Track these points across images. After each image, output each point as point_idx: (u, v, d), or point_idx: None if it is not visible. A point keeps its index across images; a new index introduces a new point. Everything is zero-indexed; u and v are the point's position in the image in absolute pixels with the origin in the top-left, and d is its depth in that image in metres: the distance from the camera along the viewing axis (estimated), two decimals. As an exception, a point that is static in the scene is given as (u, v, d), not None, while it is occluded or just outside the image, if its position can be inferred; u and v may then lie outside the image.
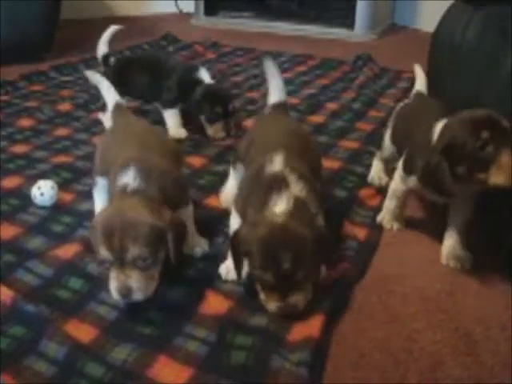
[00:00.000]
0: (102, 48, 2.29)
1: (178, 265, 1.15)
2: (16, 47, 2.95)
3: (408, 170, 1.34)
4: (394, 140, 1.56)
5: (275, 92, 1.56)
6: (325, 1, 4.08)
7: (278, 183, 1.15)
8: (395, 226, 1.46)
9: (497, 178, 1.14)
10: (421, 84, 1.69)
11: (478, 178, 1.16)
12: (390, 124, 1.61)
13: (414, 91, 1.68)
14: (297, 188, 1.16)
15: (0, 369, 0.98)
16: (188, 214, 1.32)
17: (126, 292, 1.06)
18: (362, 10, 3.76)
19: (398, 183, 1.40)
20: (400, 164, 1.39)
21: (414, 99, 1.63)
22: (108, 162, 1.30)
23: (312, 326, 1.08)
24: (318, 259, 1.14)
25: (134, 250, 1.05)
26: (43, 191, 1.50)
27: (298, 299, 1.09)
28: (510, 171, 1.12)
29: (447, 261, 1.34)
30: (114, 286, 1.07)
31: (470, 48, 1.68)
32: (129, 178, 1.16)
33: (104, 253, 1.06)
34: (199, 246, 1.34)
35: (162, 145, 1.37)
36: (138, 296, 1.07)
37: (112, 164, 1.25)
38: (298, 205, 1.13)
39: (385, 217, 1.47)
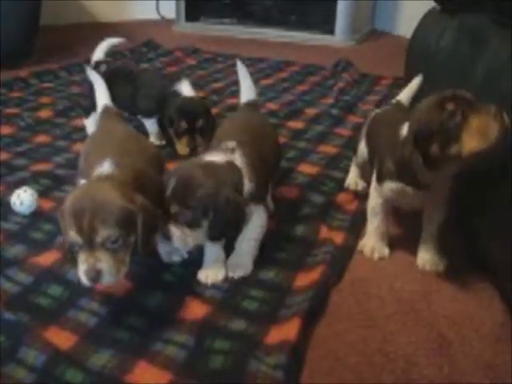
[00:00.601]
0: (98, 54, 2.25)
1: (146, 254, 1.15)
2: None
3: (381, 177, 1.35)
4: (367, 146, 1.59)
5: (246, 91, 1.65)
6: (306, 7, 4.12)
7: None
8: (376, 254, 1.40)
9: (470, 144, 1.14)
10: (405, 95, 1.69)
11: (451, 152, 1.16)
12: (364, 130, 1.63)
13: (394, 100, 1.71)
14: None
15: (-21, 376, 0.99)
16: None
17: (95, 275, 1.04)
18: (342, 15, 3.80)
19: (374, 198, 1.41)
20: (373, 177, 1.41)
21: (390, 107, 1.65)
22: (89, 166, 1.30)
23: (289, 330, 1.10)
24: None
25: (103, 232, 1.03)
26: (22, 199, 1.50)
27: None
28: (482, 132, 1.13)
29: (423, 264, 1.36)
30: (83, 269, 1.04)
31: (445, 55, 1.71)
32: (103, 168, 1.17)
33: (73, 235, 1.04)
34: (177, 252, 1.34)
35: (142, 150, 1.37)
36: (107, 279, 1.05)
37: (92, 167, 1.26)
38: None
39: (366, 243, 1.42)
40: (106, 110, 1.58)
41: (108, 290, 1.22)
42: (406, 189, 1.29)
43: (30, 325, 1.10)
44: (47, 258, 1.33)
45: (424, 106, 1.23)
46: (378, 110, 1.67)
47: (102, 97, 1.61)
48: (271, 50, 3.63)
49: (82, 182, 1.33)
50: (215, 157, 1.25)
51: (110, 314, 1.16)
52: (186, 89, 2.02)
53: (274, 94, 2.64)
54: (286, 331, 1.09)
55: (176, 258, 1.34)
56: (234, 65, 3.12)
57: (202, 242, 1.26)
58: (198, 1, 4.32)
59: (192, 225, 1.18)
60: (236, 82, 2.79)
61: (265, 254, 1.36)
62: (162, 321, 1.14)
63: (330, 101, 2.51)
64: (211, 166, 1.21)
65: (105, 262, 1.04)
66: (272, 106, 2.45)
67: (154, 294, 1.21)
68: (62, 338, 1.08)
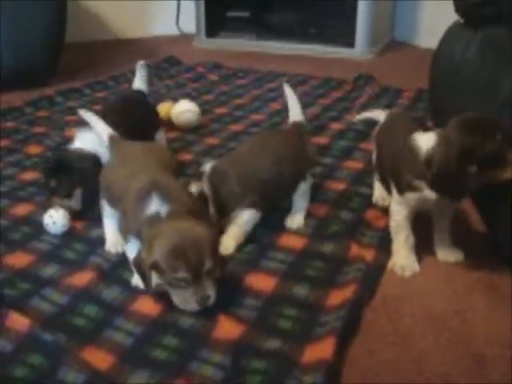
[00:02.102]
0: (137, 83, 2.12)
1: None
2: (20, 72, 2.99)
3: (401, 189, 1.37)
4: (377, 159, 1.62)
5: (293, 112, 1.72)
6: (325, 20, 4.13)
7: None
8: (407, 272, 1.39)
9: (509, 173, 1.23)
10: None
11: (490, 174, 1.24)
12: (374, 143, 1.67)
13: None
14: None
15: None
16: None
17: (205, 301, 1.18)
18: (361, 28, 3.80)
19: (398, 212, 1.41)
20: (393, 194, 1.43)
21: (390, 118, 1.67)
22: (118, 194, 1.34)
23: (324, 348, 1.10)
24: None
25: (208, 263, 1.16)
26: (55, 219, 1.53)
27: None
28: None
29: (444, 257, 1.44)
30: (193, 299, 1.17)
31: (470, 68, 1.71)
32: (156, 205, 1.23)
33: (183, 275, 1.15)
34: None
35: (163, 160, 1.46)
36: (212, 301, 1.19)
37: (123, 194, 1.29)
38: None
39: (396, 262, 1.42)
40: (112, 138, 1.58)
41: (142, 309, 1.23)
42: (430, 195, 1.32)
43: (67, 345, 1.12)
44: (81, 278, 1.34)
45: (469, 131, 1.25)
46: (381, 123, 1.69)
47: (103, 129, 1.61)
48: (291, 64, 3.64)
49: (107, 209, 1.46)
50: None
51: (145, 333, 1.17)
52: (79, 137, 1.72)
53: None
54: (321, 350, 1.10)
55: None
56: (256, 80, 3.20)
57: None
58: (217, 16, 4.35)
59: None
60: (258, 98, 2.85)
61: (296, 272, 1.37)
62: (197, 340, 1.15)
63: (354, 116, 2.51)
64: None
65: (211, 289, 1.19)
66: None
67: (187, 314, 1.22)
68: (98, 359, 1.09)
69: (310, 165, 1.67)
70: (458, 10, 1.83)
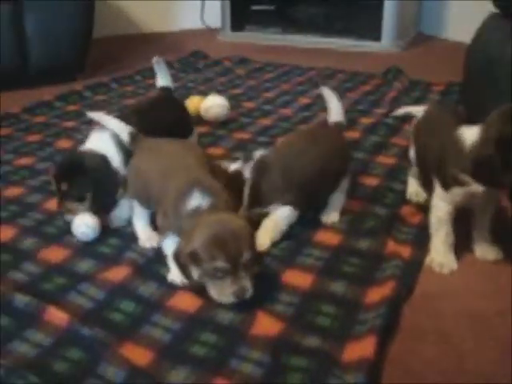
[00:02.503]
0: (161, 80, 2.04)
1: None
2: (49, 68, 3.00)
3: (447, 184, 1.35)
4: (417, 154, 1.59)
5: (333, 113, 1.69)
6: (350, 13, 4.10)
7: None
8: (445, 269, 1.37)
9: None
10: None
11: None
12: (411, 139, 1.64)
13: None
14: None
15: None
16: None
17: (242, 293, 1.18)
18: (388, 21, 3.76)
19: (441, 207, 1.39)
20: (436, 189, 1.40)
21: (431, 112, 1.62)
22: (156, 193, 1.35)
23: (365, 347, 1.08)
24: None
25: (246, 254, 1.17)
26: (92, 226, 1.48)
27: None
28: None
29: (482, 255, 1.42)
30: (230, 290, 1.18)
31: (509, 61, 1.68)
32: (197, 200, 1.24)
33: (222, 264, 1.15)
34: None
35: (198, 158, 1.45)
36: (249, 294, 1.19)
37: (162, 193, 1.31)
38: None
39: (434, 258, 1.40)
40: (134, 136, 1.55)
41: (179, 305, 1.23)
42: (477, 189, 1.30)
43: (106, 341, 1.11)
44: (117, 273, 1.34)
45: (503, 118, 1.25)
46: (418, 118, 1.65)
47: (122, 127, 1.58)
48: (317, 58, 3.62)
49: (138, 206, 1.48)
50: None
51: (184, 329, 1.16)
52: (90, 139, 1.64)
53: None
54: (362, 348, 1.08)
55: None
56: (284, 74, 3.18)
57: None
58: (242, 10, 4.34)
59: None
60: (287, 92, 2.83)
61: (332, 268, 1.36)
62: (235, 337, 1.14)
63: (384, 110, 2.49)
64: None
65: (248, 281, 1.19)
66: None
67: (224, 310, 1.21)
68: (137, 355, 1.09)
69: (349, 163, 1.65)
70: (495, 0, 1.80)
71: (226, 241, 1.16)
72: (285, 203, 1.47)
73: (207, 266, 1.17)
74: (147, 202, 1.43)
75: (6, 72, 2.86)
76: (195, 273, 1.20)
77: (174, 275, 1.30)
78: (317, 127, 1.87)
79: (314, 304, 1.24)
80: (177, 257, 1.22)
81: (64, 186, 1.49)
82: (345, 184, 1.61)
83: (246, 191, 1.47)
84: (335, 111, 1.68)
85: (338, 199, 1.60)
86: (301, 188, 1.49)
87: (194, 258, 1.18)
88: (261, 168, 1.49)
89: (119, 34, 4.38)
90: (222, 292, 1.19)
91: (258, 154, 1.54)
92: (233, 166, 1.52)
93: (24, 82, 2.96)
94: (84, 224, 1.48)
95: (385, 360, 1.10)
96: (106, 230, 1.54)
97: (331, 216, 1.58)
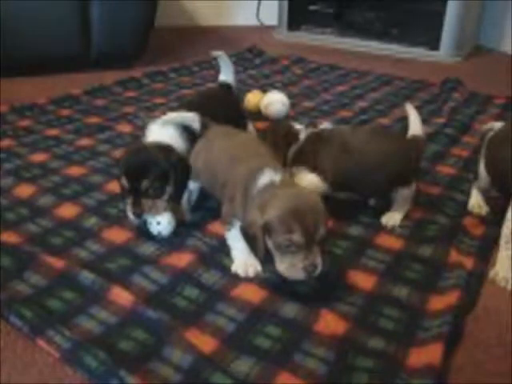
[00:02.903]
0: (224, 75, 2.04)
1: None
2: (109, 53, 3.04)
3: None
4: (488, 170, 1.56)
5: (413, 127, 1.64)
6: (409, 20, 4.06)
7: None
8: (510, 285, 1.34)
9: None
10: None
11: None
12: (483, 153, 1.61)
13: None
14: None
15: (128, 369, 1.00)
16: None
17: (312, 269, 1.17)
18: (448, 30, 3.70)
19: None
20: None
21: (505, 126, 1.60)
22: (223, 179, 1.36)
23: (431, 354, 1.07)
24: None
25: (322, 230, 1.16)
26: (160, 229, 1.46)
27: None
28: None
29: None
30: (301, 265, 1.16)
31: None
32: (270, 176, 1.24)
33: (298, 237, 1.13)
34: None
35: (264, 145, 1.45)
36: (318, 272, 1.18)
37: (229, 179, 1.33)
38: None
39: (499, 272, 1.37)
40: (205, 124, 1.56)
41: (243, 296, 1.23)
42: None
43: (170, 325, 1.12)
44: (180, 259, 1.35)
45: None
46: (492, 132, 1.62)
47: (190, 115, 1.59)
48: (372, 63, 3.59)
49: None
50: None
51: (248, 320, 1.16)
52: (153, 132, 1.58)
53: (384, 109, 2.61)
54: (428, 355, 1.07)
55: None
56: (341, 76, 3.17)
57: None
58: (300, 9, 4.33)
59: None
60: (344, 94, 2.82)
61: (395, 272, 1.35)
62: (300, 332, 1.14)
63: (443, 120, 2.46)
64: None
65: (319, 257, 1.18)
66: (385, 121, 2.42)
67: (288, 304, 1.21)
68: (202, 341, 1.09)
69: (414, 173, 1.60)
70: None
71: (304, 214, 1.14)
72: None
73: (281, 238, 1.14)
74: (213, 188, 1.43)
75: (69, 55, 2.91)
76: (266, 245, 1.19)
77: (238, 266, 1.30)
78: (391, 134, 1.87)
79: (377, 306, 1.23)
80: (246, 229, 1.19)
81: (144, 184, 1.41)
82: (408, 192, 1.58)
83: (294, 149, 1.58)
84: (415, 126, 1.64)
85: (401, 204, 1.58)
86: (344, 169, 1.52)
87: (269, 229, 1.16)
88: (319, 136, 1.58)
89: (175, 24, 4.41)
90: (293, 267, 1.17)
91: (325, 125, 1.57)
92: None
93: (85, 65, 3.00)
94: (166, 221, 1.46)
95: (450, 369, 1.08)
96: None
97: (392, 218, 1.57)
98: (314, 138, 1.58)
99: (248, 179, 1.26)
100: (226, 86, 1.97)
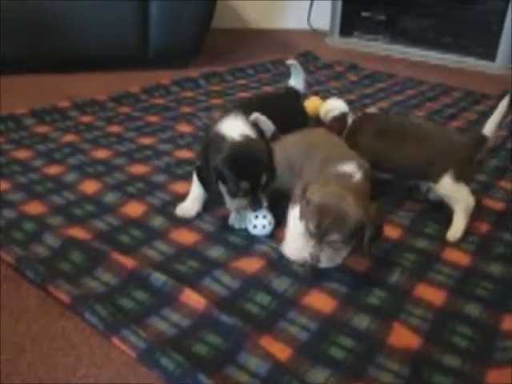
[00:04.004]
0: (293, 81, 2.03)
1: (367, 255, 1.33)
2: (166, 52, 3.08)
3: None
4: None
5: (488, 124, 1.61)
6: (463, 30, 4.01)
7: None
8: None
9: None
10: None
11: None
12: None
13: None
14: None
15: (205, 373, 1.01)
16: None
17: (315, 260, 1.24)
18: (506, 41, 3.65)
19: None
20: None
21: None
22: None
23: (509, 376, 1.05)
24: None
25: (334, 236, 1.22)
26: (265, 223, 1.47)
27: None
28: None
29: None
30: (309, 251, 1.25)
31: None
32: (352, 168, 1.33)
33: (311, 226, 1.23)
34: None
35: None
36: (323, 265, 1.27)
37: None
38: None
39: None
40: (275, 134, 1.63)
41: (315, 305, 1.23)
42: None
43: (244, 330, 1.12)
44: (250, 264, 1.35)
45: None
46: None
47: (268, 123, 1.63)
48: (425, 72, 3.56)
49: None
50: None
51: (321, 330, 1.16)
52: (234, 128, 1.48)
53: (441, 120, 2.58)
54: (506, 377, 1.05)
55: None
56: (396, 84, 3.14)
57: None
58: (352, 16, 4.32)
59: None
60: (401, 103, 2.79)
61: (465, 289, 1.33)
62: (373, 344, 1.13)
63: (503, 133, 2.42)
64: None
65: (325, 254, 1.25)
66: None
67: (359, 315, 1.20)
68: (277, 349, 1.09)
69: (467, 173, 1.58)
70: None
71: (325, 214, 1.21)
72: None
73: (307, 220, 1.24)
74: (289, 181, 1.47)
75: (128, 53, 2.95)
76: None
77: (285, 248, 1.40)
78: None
79: (449, 322, 1.21)
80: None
81: (263, 180, 1.41)
82: (461, 204, 1.55)
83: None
84: (488, 123, 1.60)
85: (457, 218, 1.56)
86: (380, 147, 1.61)
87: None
88: (361, 118, 1.75)
89: (228, 27, 4.43)
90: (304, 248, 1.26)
91: (371, 109, 1.58)
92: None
93: (142, 64, 3.03)
94: (270, 218, 1.48)
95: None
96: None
97: (453, 233, 1.55)
98: (357, 121, 1.74)
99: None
100: (293, 91, 1.97)
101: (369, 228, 1.23)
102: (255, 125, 1.56)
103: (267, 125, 1.60)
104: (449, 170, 1.54)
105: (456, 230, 1.56)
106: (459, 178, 1.54)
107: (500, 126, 1.60)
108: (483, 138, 1.59)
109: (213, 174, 1.42)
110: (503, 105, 1.58)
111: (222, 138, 1.45)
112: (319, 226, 1.21)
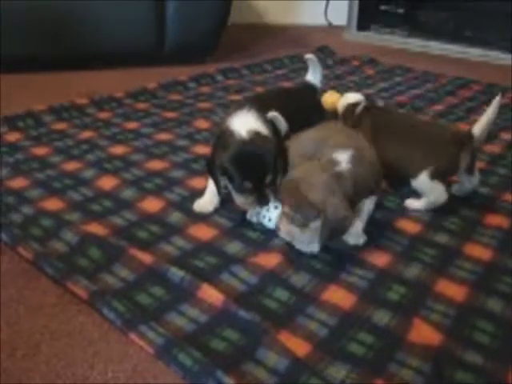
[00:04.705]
0: (311, 76, 2.02)
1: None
2: (183, 48, 3.08)
3: None
4: None
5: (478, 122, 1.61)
6: (483, 22, 3.96)
7: None
8: None
9: None
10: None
11: None
12: None
13: None
14: None
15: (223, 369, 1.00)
16: (370, 204, 1.44)
17: (276, 229, 1.33)
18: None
19: None
20: None
21: None
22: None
23: (533, 372, 1.03)
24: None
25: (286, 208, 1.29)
26: (270, 216, 1.46)
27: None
28: None
29: None
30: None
31: None
32: (341, 157, 1.34)
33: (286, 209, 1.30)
34: (356, 237, 1.41)
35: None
36: (282, 235, 1.33)
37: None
38: None
39: None
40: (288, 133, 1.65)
41: (333, 300, 1.21)
42: None
43: (263, 326, 1.11)
44: (268, 260, 1.34)
45: None
46: None
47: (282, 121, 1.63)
48: (444, 66, 3.52)
49: None
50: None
51: (339, 325, 1.14)
52: (244, 124, 1.47)
53: (462, 114, 2.55)
54: (529, 373, 1.03)
55: (350, 240, 1.41)
56: (414, 78, 3.11)
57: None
58: (370, 9, 4.28)
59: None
60: (419, 97, 2.76)
61: (486, 284, 1.31)
62: (393, 340, 1.11)
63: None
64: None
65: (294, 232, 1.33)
66: (463, 126, 2.35)
67: (379, 311, 1.19)
68: (295, 345, 1.08)
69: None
70: None
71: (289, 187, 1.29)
72: None
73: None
74: None
75: (145, 49, 2.95)
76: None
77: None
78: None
79: (470, 318, 1.19)
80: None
81: (269, 178, 1.41)
82: (430, 198, 1.59)
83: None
84: (478, 122, 1.61)
85: (421, 200, 1.62)
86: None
87: None
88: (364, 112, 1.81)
89: (245, 22, 4.42)
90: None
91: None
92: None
93: (159, 60, 3.03)
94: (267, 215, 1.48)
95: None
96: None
97: (411, 202, 1.63)
98: (361, 113, 1.80)
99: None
100: (310, 87, 1.96)
101: (324, 217, 1.25)
102: (269, 121, 1.54)
103: (282, 124, 1.58)
104: (426, 168, 1.55)
105: (415, 204, 1.62)
106: (435, 176, 1.55)
107: (490, 125, 1.59)
108: (470, 136, 1.58)
109: (218, 170, 1.42)
110: (494, 104, 1.58)
111: (230, 134, 1.44)
112: (281, 195, 1.30)
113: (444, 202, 1.58)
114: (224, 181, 1.45)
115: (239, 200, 1.46)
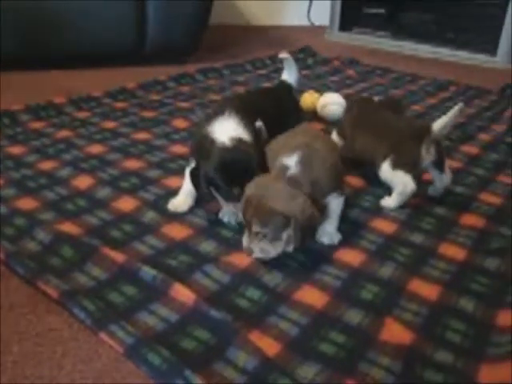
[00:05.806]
0: (286, 75, 2.06)
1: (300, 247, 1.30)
2: (164, 47, 3.06)
3: None
4: None
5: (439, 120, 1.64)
6: (465, 24, 3.99)
7: None
8: None
9: None
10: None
11: None
12: None
13: None
14: None
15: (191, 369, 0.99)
16: (338, 203, 1.42)
17: (248, 250, 1.29)
18: (507, 35, 3.62)
19: None
20: None
21: None
22: None
23: (504, 371, 1.03)
24: None
25: (256, 227, 1.25)
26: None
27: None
28: None
29: None
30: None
31: None
32: (291, 161, 1.33)
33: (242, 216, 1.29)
34: (330, 236, 1.42)
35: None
36: (255, 255, 1.29)
37: None
38: None
39: None
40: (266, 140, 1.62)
41: (306, 300, 1.21)
42: None
43: (234, 325, 1.10)
44: (241, 259, 1.33)
45: None
46: None
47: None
48: (425, 67, 3.54)
49: None
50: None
51: (311, 325, 1.14)
52: (225, 131, 1.46)
53: (440, 115, 2.55)
54: (501, 373, 1.03)
55: (325, 240, 1.42)
56: (394, 80, 3.12)
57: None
58: (352, 10, 4.29)
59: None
60: (400, 97, 2.77)
61: (459, 284, 1.31)
62: (364, 339, 1.11)
63: (503, 127, 2.40)
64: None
65: (257, 246, 1.28)
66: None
67: (351, 311, 1.18)
68: (266, 344, 1.07)
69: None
70: None
71: (249, 204, 1.27)
72: None
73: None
74: None
75: (125, 49, 2.94)
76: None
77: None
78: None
79: (442, 317, 1.19)
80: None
81: (236, 191, 1.40)
82: (398, 188, 1.63)
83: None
84: (440, 120, 1.64)
85: (392, 197, 1.65)
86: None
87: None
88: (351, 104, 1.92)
89: (227, 23, 4.41)
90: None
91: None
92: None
93: (139, 60, 3.02)
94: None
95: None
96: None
97: (385, 202, 1.65)
98: (349, 104, 1.94)
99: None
100: (286, 85, 1.96)
101: (295, 221, 1.23)
102: (249, 124, 1.53)
103: (263, 131, 1.59)
104: (388, 158, 1.61)
105: (389, 202, 1.64)
106: (396, 166, 1.60)
107: (450, 123, 1.62)
108: (428, 130, 1.61)
109: (203, 179, 1.42)
110: (457, 108, 1.61)
111: (212, 142, 1.44)
112: (244, 217, 1.27)
113: (412, 192, 1.60)
114: (209, 189, 1.44)
115: (228, 207, 1.46)
